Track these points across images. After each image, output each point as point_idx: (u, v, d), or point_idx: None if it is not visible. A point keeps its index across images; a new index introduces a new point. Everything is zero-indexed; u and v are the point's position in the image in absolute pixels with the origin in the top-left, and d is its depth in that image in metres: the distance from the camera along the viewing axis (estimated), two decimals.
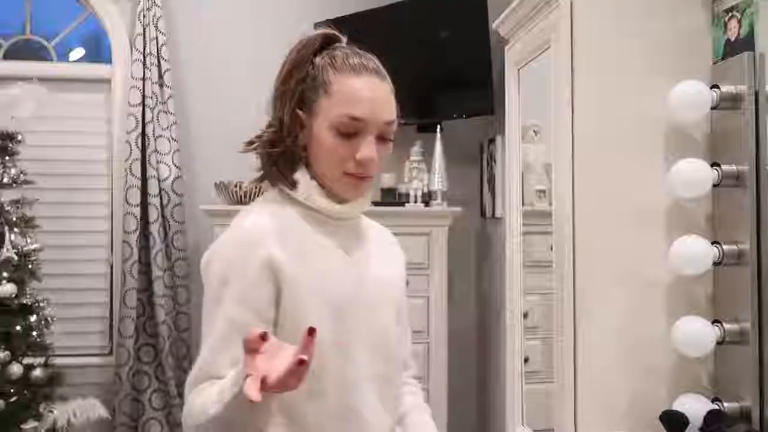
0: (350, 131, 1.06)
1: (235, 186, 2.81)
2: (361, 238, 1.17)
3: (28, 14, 3.14)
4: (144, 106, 2.94)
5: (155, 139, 2.95)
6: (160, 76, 2.97)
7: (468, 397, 3.16)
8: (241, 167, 2.91)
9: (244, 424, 0.91)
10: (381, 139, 1.10)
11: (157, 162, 2.95)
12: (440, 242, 2.81)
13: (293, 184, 1.11)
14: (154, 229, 2.93)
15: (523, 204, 1.80)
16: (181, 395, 2.96)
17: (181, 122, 3.03)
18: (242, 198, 2.81)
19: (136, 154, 2.93)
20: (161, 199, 2.96)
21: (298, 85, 1.10)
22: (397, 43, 3.00)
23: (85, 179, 3.07)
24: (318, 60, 1.12)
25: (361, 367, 1.08)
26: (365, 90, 1.08)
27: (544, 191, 2.29)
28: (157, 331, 2.93)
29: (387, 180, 2.99)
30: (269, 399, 0.82)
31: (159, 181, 2.95)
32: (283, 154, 1.12)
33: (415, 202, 2.85)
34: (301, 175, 1.11)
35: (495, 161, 2.88)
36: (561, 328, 1.39)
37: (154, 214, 2.94)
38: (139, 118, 2.94)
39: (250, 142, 1.17)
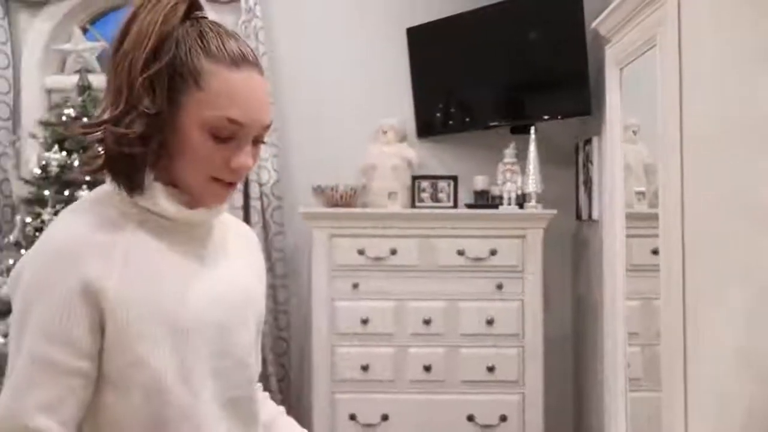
0: (225, 135, 0.90)
1: (332, 189, 2.90)
2: (215, 242, 0.99)
3: None
4: None
5: None
6: None
7: (564, 404, 3.09)
8: (337, 171, 3.05)
9: None
10: (255, 142, 0.94)
11: (258, 167, 3.08)
12: (535, 245, 2.78)
13: (133, 189, 0.91)
14: (256, 230, 3.05)
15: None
16: (281, 391, 3.09)
17: (280, 128, 3.16)
18: (338, 201, 2.90)
19: None
20: (262, 202, 3.09)
21: (167, 70, 0.88)
22: (491, 45, 3.00)
23: None
24: (183, 37, 0.90)
25: (211, 397, 0.93)
26: (246, 89, 0.91)
27: (643, 193, 2.22)
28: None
29: (480, 182, 2.98)
30: None
31: (260, 185, 3.08)
32: (135, 153, 0.89)
33: (509, 204, 2.83)
34: (146, 176, 0.91)
35: (592, 162, 2.81)
36: (669, 334, 1.35)
37: (255, 216, 3.07)
38: None
39: (96, 124, 0.92)
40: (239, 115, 0.89)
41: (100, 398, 0.88)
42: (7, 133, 3.15)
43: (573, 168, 3.09)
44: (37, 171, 2.67)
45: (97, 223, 0.89)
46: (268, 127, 0.94)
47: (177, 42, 0.88)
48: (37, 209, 2.63)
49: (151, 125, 0.88)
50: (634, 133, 2.41)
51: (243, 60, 0.90)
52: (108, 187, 0.94)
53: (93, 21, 3.37)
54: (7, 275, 2.57)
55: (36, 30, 3.23)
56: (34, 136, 2.83)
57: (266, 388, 3.18)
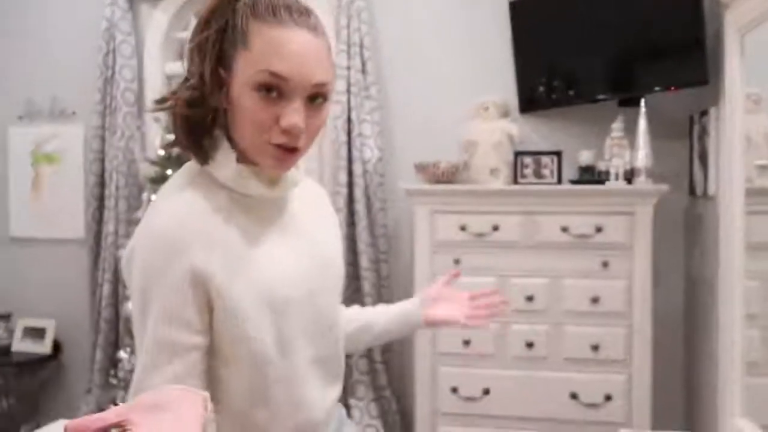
0: (272, 88, 0.90)
1: (433, 166, 2.92)
2: (293, 212, 1.04)
3: None
4: (349, 93, 3.16)
5: (359, 124, 3.16)
6: (363, 65, 3.16)
7: (674, 386, 2.99)
8: (438, 148, 3.07)
9: None
10: (312, 105, 0.93)
11: (361, 145, 3.16)
12: (644, 222, 2.68)
13: (206, 159, 0.96)
14: (359, 207, 3.16)
15: None
16: (384, 362, 3.19)
17: (382, 107, 3.21)
18: (439, 177, 2.92)
19: (343, 137, 3.17)
20: (365, 179, 3.17)
21: (218, 36, 0.91)
22: (597, 13, 2.89)
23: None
24: (239, 5, 0.92)
25: (304, 357, 1.01)
26: (290, 43, 0.90)
27: (765, 167, 2.09)
28: (363, 302, 3.16)
29: (585, 157, 2.90)
30: None
31: (363, 162, 3.16)
32: (203, 119, 0.94)
33: (616, 179, 2.74)
34: (223, 152, 0.96)
35: (708, 135, 2.66)
36: None
37: (358, 193, 3.16)
38: (345, 104, 3.17)
39: (163, 99, 0.96)
40: (282, 69, 0.89)
41: (214, 373, 0.97)
42: (132, 118, 3.41)
43: (686, 141, 2.94)
44: (161, 152, 2.88)
45: (196, 208, 0.94)
46: (321, 85, 0.93)
47: (233, 10, 0.92)
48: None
49: (205, 89, 0.92)
50: (756, 102, 2.26)
51: (290, 17, 0.91)
52: (193, 167, 0.99)
53: None
54: None
55: (156, 20, 3.46)
56: (157, 120, 3.05)
57: (371, 360, 3.30)
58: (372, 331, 1.31)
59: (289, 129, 0.91)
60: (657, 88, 2.82)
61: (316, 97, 0.93)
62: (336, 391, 1.11)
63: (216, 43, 0.92)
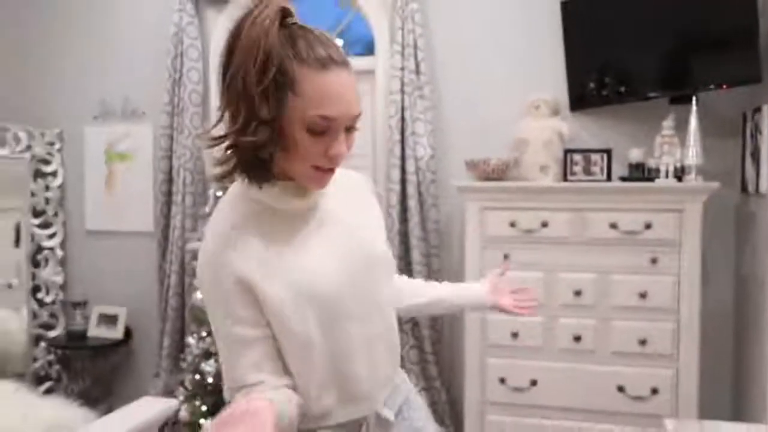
0: (321, 130, 1.04)
1: (484, 163, 3.01)
2: (327, 209, 1.16)
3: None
4: (403, 93, 3.28)
5: (412, 122, 3.27)
6: (417, 65, 3.27)
7: (722, 382, 3.01)
8: (488, 146, 3.17)
9: None
10: (348, 130, 1.08)
11: (414, 143, 3.27)
12: (694, 219, 2.71)
13: (261, 182, 1.08)
14: (412, 203, 3.27)
15: None
16: (435, 353, 3.30)
17: (435, 106, 3.32)
18: (490, 174, 3.01)
19: (396, 136, 3.29)
20: (417, 176, 3.28)
21: (269, 86, 1.00)
22: (649, 11, 2.93)
23: (354, 159, 3.53)
24: (280, 47, 1.01)
25: (349, 337, 1.13)
26: (334, 87, 1.03)
27: None
28: None
29: (635, 155, 2.94)
30: None
31: (416, 160, 3.27)
32: (257, 157, 1.05)
33: (666, 177, 2.78)
34: (268, 177, 1.09)
35: (761, 132, 2.67)
36: None
37: (411, 189, 3.27)
38: (399, 104, 3.28)
39: (224, 136, 1.06)
40: (330, 112, 1.03)
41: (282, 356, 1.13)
42: (198, 118, 3.62)
43: (739, 139, 2.95)
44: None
45: (240, 220, 1.10)
46: (357, 116, 1.08)
47: (276, 53, 0.99)
48: (227, 185, 3.02)
49: (271, 133, 1.02)
50: None
51: (331, 61, 1.03)
52: (238, 186, 1.14)
53: None
54: None
55: (220, 25, 3.65)
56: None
57: (421, 351, 3.42)
58: (442, 305, 1.52)
59: (336, 157, 1.07)
60: (710, 86, 2.84)
61: (352, 126, 1.09)
62: (389, 365, 1.22)
63: (275, 89, 1.01)
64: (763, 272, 2.55)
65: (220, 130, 1.07)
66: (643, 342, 2.77)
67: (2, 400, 1.97)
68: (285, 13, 1.04)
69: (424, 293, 1.50)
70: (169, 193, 3.70)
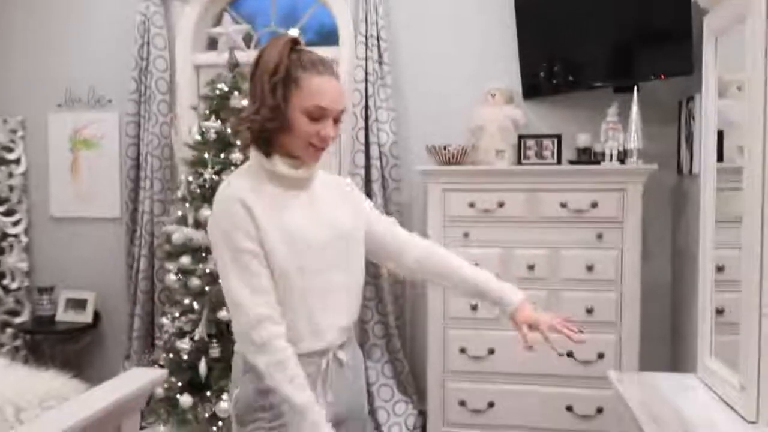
0: (316, 116, 1.41)
1: (444, 148, 3.21)
2: (316, 193, 1.51)
3: (273, 8, 3.80)
4: (366, 81, 3.44)
5: (376, 110, 3.44)
6: (380, 55, 3.44)
7: (660, 345, 3.30)
8: (448, 132, 3.37)
9: None
10: (335, 121, 1.45)
11: (378, 129, 3.44)
12: (635, 198, 2.97)
13: (267, 155, 1.45)
14: (376, 187, 3.45)
15: (722, 160, 1.91)
16: (398, 327, 3.49)
17: (397, 94, 3.49)
18: (449, 159, 3.21)
19: (361, 123, 3.45)
20: (381, 161, 3.46)
21: (278, 75, 1.41)
22: (595, 7, 3.16)
23: None
24: (291, 61, 1.42)
25: (321, 284, 1.44)
26: (327, 86, 1.42)
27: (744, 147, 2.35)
28: (378, 273, 3.46)
29: (583, 140, 3.19)
30: None
31: (379, 145, 3.44)
32: (276, 129, 1.43)
33: (611, 160, 3.03)
34: (272, 148, 1.45)
35: (694, 119, 2.94)
36: (749, 279, 1.56)
37: (375, 174, 3.45)
38: (363, 93, 3.44)
39: (245, 118, 1.45)
40: (323, 103, 1.41)
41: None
42: (165, 105, 3.69)
43: (675, 125, 3.22)
44: (198, 137, 3.17)
45: (249, 183, 1.45)
46: (343, 111, 1.46)
47: (287, 65, 1.41)
48: (199, 170, 3.13)
49: (273, 114, 1.41)
50: (739, 89, 2.53)
51: (324, 70, 1.44)
52: (247, 164, 1.51)
53: (231, 3, 3.83)
54: (179, 224, 3.12)
55: (186, 15, 3.73)
56: (194, 108, 3.34)
57: (386, 326, 3.60)
58: (469, 282, 1.72)
59: (325, 138, 1.44)
60: (649, 77, 3.09)
61: (338, 118, 1.47)
62: (348, 316, 1.53)
63: (281, 86, 1.42)
64: (696, 246, 2.82)
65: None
66: (590, 311, 3.03)
67: None
68: (295, 42, 1.46)
69: (447, 260, 1.71)
70: (136, 179, 3.77)
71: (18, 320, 3.91)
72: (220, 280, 1.48)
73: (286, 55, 1.42)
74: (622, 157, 3.04)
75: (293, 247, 1.41)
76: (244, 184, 1.45)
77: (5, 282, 3.90)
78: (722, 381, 1.70)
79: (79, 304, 3.88)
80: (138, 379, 2.02)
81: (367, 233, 1.59)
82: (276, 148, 1.46)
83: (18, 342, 3.87)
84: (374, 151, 3.44)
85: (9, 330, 3.86)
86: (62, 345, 3.82)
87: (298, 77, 1.41)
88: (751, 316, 1.53)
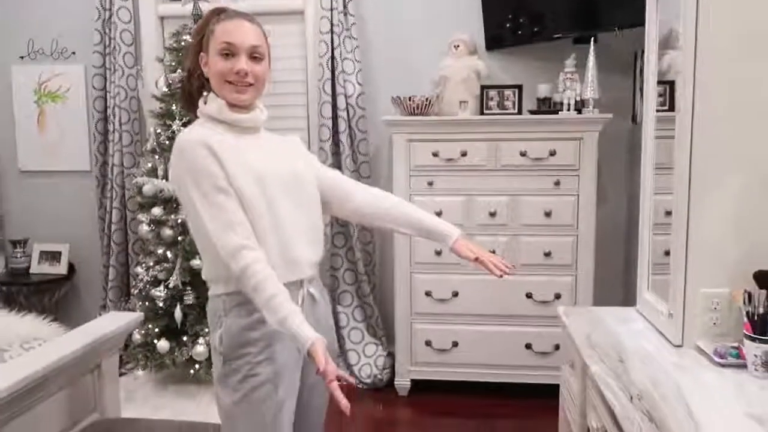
0: (227, 52, 1.52)
1: (409, 99, 3.28)
2: (267, 141, 1.63)
3: None
4: (332, 33, 3.47)
5: (342, 61, 3.49)
6: (345, 6, 3.46)
7: (614, 284, 3.49)
8: (413, 83, 3.44)
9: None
10: (254, 59, 1.54)
11: (344, 81, 3.50)
12: (591, 146, 3.10)
13: (195, 112, 1.59)
14: (343, 137, 3.53)
15: (674, 109, 2.00)
16: (367, 273, 3.63)
17: (362, 46, 3.54)
18: (414, 110, 3.29)
19: (327, 74, 3.50)
20: (348, 112, 3.53)
21: (200, 39, 1.57)
22: None
23: (287, 97, 3.71)
24: (211, 21, 1.57)
25: (287, 216, 1.53)
26: (234, 26, 1.54)
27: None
28: (347, 221, 3.58)
29: (542, 90, 3.29)
30: None
31: (346, 97, 3.51)
32: (197, 88, 1.59)
33: (569, 110, 3.14)
34: (211, 98, 1.56)
35: None
36: (678, 216, 1.70)
37: (342, 125, 3.52)
38: (329, 44, 3.48)
39: (177, 91, 1.68)
40: (231, 39, 1.52)
41: None
42: (131, 57, 3.69)
43: (632, 75, 3.34)
44: (165, 89, 3.19)
45: (206, 131, 1.52)
46: (255, 46, 1.54)
47: (207, 25, 1.56)
48: (168, 122, 3.17)
49: (195, 63, 1.59)
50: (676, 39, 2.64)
51: (235, 15, 1.56)
52: (199, 119, 1.60)
53: None
54: (149, 176, 3.17)
55: None
56: (161, 60, 3.34)
57: (355, 272, 3.75)
58: (405, 218, 1.75)
59: (238, 71, 1.52)
60: (607, 28, 3.18)
61: (254, 54, 1.54)
62: (313, 250, 1.61)
63: (199, 43, 1.58)
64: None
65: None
66: (548, 254, 3.19)
67: None
68: (220, 9, 1.60)
69: (391, 199, 1.77)
70: (105, 132, 3.79)
71: None
72: (189, 224, 1.55)
73: (208, 19, 1.58)
74: (580, 106, 3.15)
75: (260, 183, 1.49)
76: (202, 131, 1.52)
77: None
78: (656, 312, 1.87)
79: (53, 257, 3.93)
80: (115, 321, 2.12)
81: (317, 179, 1.67)
82: (214, 96, 1.58)
83: None
84: (341, 102, 3.50)
85: None
86: (38, 296, 3.88)
87: (213, 29, 1.55)
88: (678, 251, 1.68)
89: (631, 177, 3.42)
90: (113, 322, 2.11)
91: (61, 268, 3.92)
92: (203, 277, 1.59)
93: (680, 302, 1.68)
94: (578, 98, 3.14)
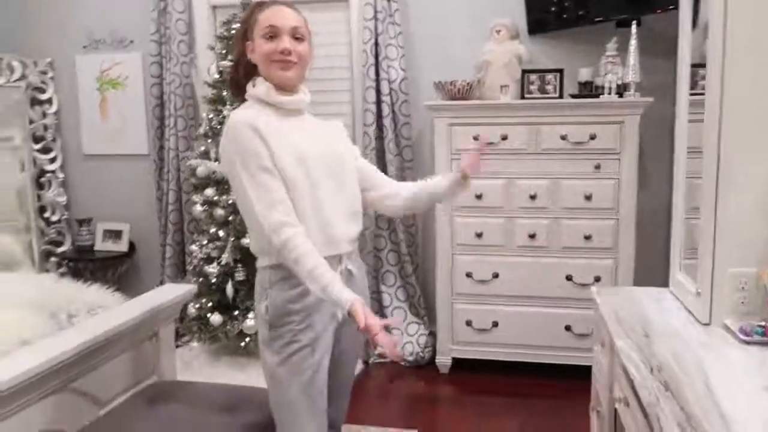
0: (271, 35, 1.65)
1: (450, 84, 3.35)
2: (311, 124, 1.74)
3: None
4: (376, 19, 3.56)
5: (385, 47, 3.57)
6: None
7: (655, 267, 3.48)
8: (455, 68, 3.50)
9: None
10: (296, 39, 1.67)
11: (388, 66, 3.59)
12: (632, 130, 3.11)
13: (254, 84, 1.68)
14: (386, 122, 3.62)
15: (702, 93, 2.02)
16: (410, 254, 3.73)
17: (405, 32, 3.62)
18: (455, 94, 3.35)
19: (371, 60, 3.59)
20: (391, 97, 3.62)
21: (245, 30, 1.71)
22: None
23: (333, 83, 3.83)
24: (254, 12, 1.71)
25: (327, 197, 1.64)
26: (275, 11, 1.68)
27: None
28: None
29: (584, 74, 3.31)
30: None
31: (389, 82, 3.60)
32: (244, 75, 1.72)
33: (610, 93, 3.15)
34: (260, 81, 1.69)
35: None
36: (706, 196, 1.74)
37: (386, 109, 3.62)
38: (373, 30, 3.57)
39: (227, 80, 1.78)
40: (273, 21, 1.66)
41: None
42: (185, 45, 3.87)
43: (674, 58, 3.30)
44: (216, 76, 3.35)
45: (253, 113, 1.64)
46: (296, 27, 1.67)
47: (251, 15, 1.71)
48: (218, 107, 3.33)
49: (245, 60, 1.73)
50: None
51: (274, 4, 1.71)
52: (249, 101, 1.72)
53: None
54: (202, 159, 3.35)
55: None
56: (212, 49, 3.51)
57: (398, 253, 3.85)
58: (426, 190, 1.88)
59: (282, 50, 1.65)
60: (650, 11, 3.17)
61: (296, 35, 1.68)
62: (351, 228, 1.73)
63: (245, 32, 1.72)
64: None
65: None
66: (588, 237, 3.22)
67: (50, 286, 2.35)
68: (262, 2, 1.74)
69: (411, 188, 1.90)
70: (162, 118, 3.99)
71: (60, 250, 4.24)
72: (237, 200, 1.67)
73: (252, 10, 1.73)
74: (621, 90, 3.15)
75: (302, 164, 1.60)
76: (250, 113, 1.63)
77: (47, 215, 4.21)
78: (686, 291, 1.91)
79: (116, 235, 4.19)
80: (170, 292, 2.30)
81: (356, 165, 1.80)
82: (262, 80, 1.70)
83: (62, 270, 4.21)
84: (384, 87, 3.59)
85: (53, 259, 4.20)
86: (102, 272, 4.14)
87: (257, 18, 1.69)
88: (706, 231, 1.72)
89: (673, 161, 3.39)
90: (169, 293, 2.28)
91: (123, 246, 4.16)
92: (251, 250, 1.72)
93: (708, 281, 1.72)
94: (620, 82, 3.15)
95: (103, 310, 2.14)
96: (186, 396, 1.99)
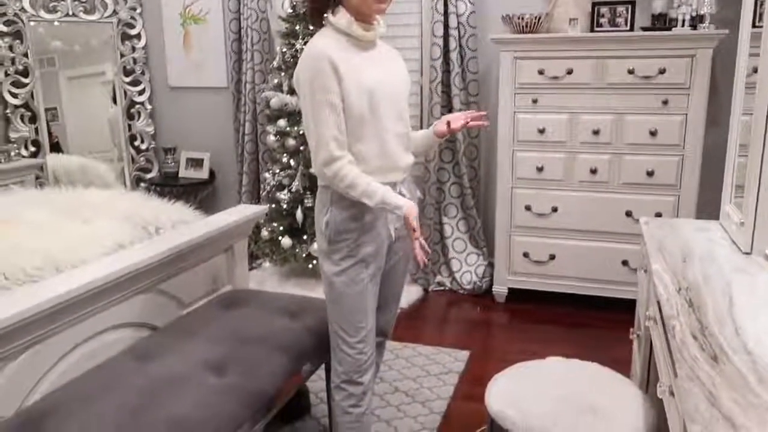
0: None
1: (519, 18, 3.35)
2: (382, 55, 1.82)
3: None
4: None
5: None
6: None
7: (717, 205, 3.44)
8: (524, 2, 3.46)
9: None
10: None
11: (456, 0, 3.61)
12: (704, 64, 3.03)
13: (334, 13, 1.73)
14: (453, 56, 3.67)
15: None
16: (471, 187, 3.84)
17: None
18: (524, 28, 3.35)
19: None
20: (458, 30, 3.65)
21: None
22: None
23: (401, 17, 3.88)
24: None
25: (388, 127, 1.76)
26: None
27: None
28: (455, 137, 3.77)
29: (657, 6, 3.22)
30: None
31: (457, 16, 3.62)
32: (326, 4, 1.75)
33: (683, 26, 3.07)
34: (342, 12, 1.74)
35: None
36: (756, 126, 1.75)
37: (453, 43, 3.66)
38: None
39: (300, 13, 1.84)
40: None
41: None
42: None
43: None
44: (290, 11, 3.49)
45: (333, 43, 1.72)
46: None
47: None
48: (291, 41, 3.48)
49: None
50: None
51: None
52: (324, 30, 1.78)
53: None
54: (276, 91, 3.53)
55: None
56: None
57: (460, 185, 3.99)
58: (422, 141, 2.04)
59: None
60: None
61: None
62: (405, 157, 1.86)
63: None
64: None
65: None
66: (650, 173, 3.22)
67: (138, 202, 2.63)
68: None
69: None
70: (239, 52, 4.19)
71: (149, 176, 4.60)
72: (304, 121, 1.80)
73: None
74: (696, 22, 3.06)
75: (370, 98, 1.71)
76: (330, 43, 1.71)
77: (137, 143, 4.56)
78: (732, 223, 1.94)
79: (197, 163, 4.49)
80: (246, 211, 2.53)
81: None
82: (344, 11, 1.76)
83: (150, 194, 4.56)
84: (452, 21, 3.62)
85: (142, 184, 4.57)
86: (185, 197, 4.45)
87: None
88: (754, 161, 1.74)
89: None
90: (244, 211, 2.51)
91: (204, 173, 4.47)
92: (312, 170, 1.90)
93: (752, 211, 1.76)
94: (694, 13, 3.06)
95: (185, 225, 2.39)
96: (256, 302, 2.23)
